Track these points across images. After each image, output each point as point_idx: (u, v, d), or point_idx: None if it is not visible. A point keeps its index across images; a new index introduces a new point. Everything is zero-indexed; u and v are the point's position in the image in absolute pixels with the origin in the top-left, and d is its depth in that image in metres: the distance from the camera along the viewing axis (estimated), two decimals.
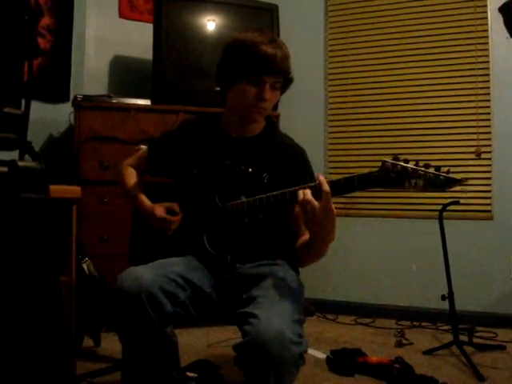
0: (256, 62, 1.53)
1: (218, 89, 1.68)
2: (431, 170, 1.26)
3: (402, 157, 1.31)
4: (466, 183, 1.32)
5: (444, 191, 1.28)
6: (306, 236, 1.58)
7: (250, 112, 1.60)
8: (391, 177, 1.29)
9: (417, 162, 1.29)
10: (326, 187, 1.33)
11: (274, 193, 1.45)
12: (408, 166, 1.28)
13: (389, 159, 1.30)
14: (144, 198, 1.73)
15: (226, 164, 1.65)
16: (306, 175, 1.63)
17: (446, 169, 1.27)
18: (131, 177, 1.81)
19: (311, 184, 1.39)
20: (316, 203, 1.33)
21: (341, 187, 1.36)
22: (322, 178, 1.34)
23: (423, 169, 1.27)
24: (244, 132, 1.69)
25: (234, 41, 1.61)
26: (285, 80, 1.61)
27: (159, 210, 1.65)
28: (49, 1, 3.05)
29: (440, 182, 1.26)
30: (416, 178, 1.27)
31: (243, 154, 1.65)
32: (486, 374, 2.21)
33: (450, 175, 1.26)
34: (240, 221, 1.54)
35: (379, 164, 1.31)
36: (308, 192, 1.34)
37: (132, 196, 1.76)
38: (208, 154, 1.69)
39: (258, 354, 1.23)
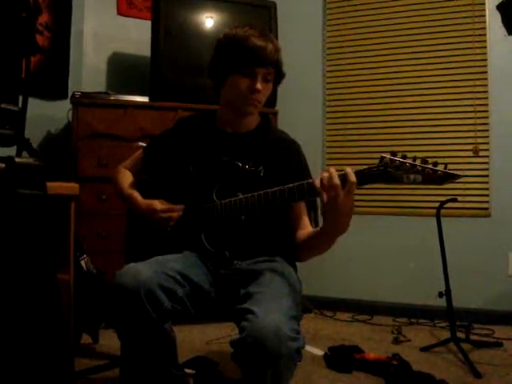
0: (247, 54, 1.55)
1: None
2: (429, 166, 1.27)
3: (400, 154, 1.31)
4: (463, 180, 1.32)
5: (441, 186, 1.28)
6: (309, 229, 1.59)
7: (244, 104, 1.61)
8: (390, 172, 1.29)
9: (414, 157, 1.29)
10: (353, 178, 1.31)
11: (272, 190, 1.45)
12: (406, 161, 1.29)
13: (387, 155, 1.31)
14: (138, 197, 1.72)
15: (222, 160, 1.65)
16: (301, 169, 1.65)
17: (443, 165, 1.28)
18: (124, 178, 1.80)
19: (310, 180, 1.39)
20: (341, 189, 1.31)
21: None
22: (349, 170, 1.32)
23: (421, 164, 1.27)
24: (239, 127, 1.70)
25: (224, 36, 1.63)
26: (277, 72, 1.62)
27: (159, 203, 1.64)
28: None
29: (438, 177, 1.27)
30: (414, 173, 1.28)
31: (238, 150, 1.66)
32: (482, 371, 2.22)
33: (448, 170, 1.27)
34: (237, 218, 1.54)
35: (377, 160, 1.32)
36: (335, 175, 1.33)
37: (125, 196, 1.75)
38: (203, 151, 1.69)
39: (255, 349, 1.23)
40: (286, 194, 1.42)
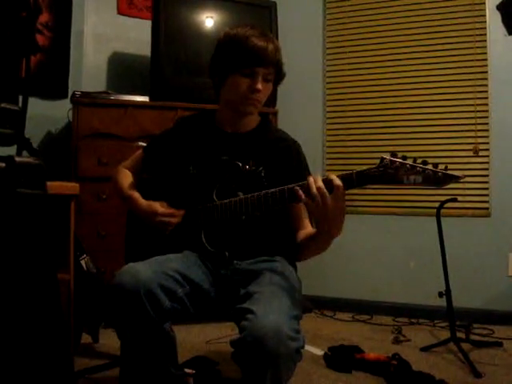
0: (247, 54, 1.55)
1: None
2: (429, 167, 1.27)
3: (400, 154, 1.31)
4: (463, 180, 1.31)
5: (442, 187, 1.28)
6: (309, 229, 1.59)
7: (244, 104, 1.61)
8: (390, 173, 1.29)
9: (415, 158, 1.29)
10: (338, 181, 1.32)
11: (272, 190, 1.45)
12: (406, 162, 1.28)
13: (387, 155, 1.30)
14: (139, 197, 1.71)
15: (222, 160, 1.65)
16: (301, 168, 1.65)
17: (443, 166, 1.28)
18: (125, 178, 1.80)
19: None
20: (327, 193, 1.32)
21: None
22: (333, 176, 1.34)
23: (421, 165, 1.27)
24: (238, 127, 1.70)
25: (225, 35, 1.63)
26: (277, 72, 1.62)
27: (160, 206, 1.64)
28: None
29: (438, 179, 1.26)
30: (414, 174, 1.27)
31: (238, 149, 1.66)
32: (482, 371, 2.22)
33: (448, 172, 1.26)
34: (237, 218, 1.54)
35: (377, 161, 1.32)
36: (319, 179, 1.34)
37: (125, 196, 1.75)
38: (203, 150, 1.69)
39: (255, 349, 1.23)
40: (286, 194, 1.42)
